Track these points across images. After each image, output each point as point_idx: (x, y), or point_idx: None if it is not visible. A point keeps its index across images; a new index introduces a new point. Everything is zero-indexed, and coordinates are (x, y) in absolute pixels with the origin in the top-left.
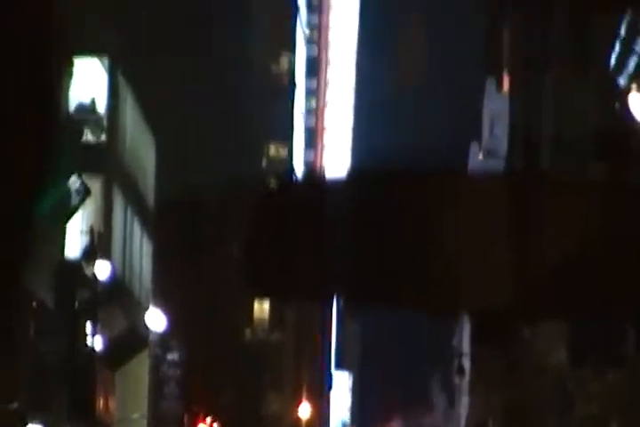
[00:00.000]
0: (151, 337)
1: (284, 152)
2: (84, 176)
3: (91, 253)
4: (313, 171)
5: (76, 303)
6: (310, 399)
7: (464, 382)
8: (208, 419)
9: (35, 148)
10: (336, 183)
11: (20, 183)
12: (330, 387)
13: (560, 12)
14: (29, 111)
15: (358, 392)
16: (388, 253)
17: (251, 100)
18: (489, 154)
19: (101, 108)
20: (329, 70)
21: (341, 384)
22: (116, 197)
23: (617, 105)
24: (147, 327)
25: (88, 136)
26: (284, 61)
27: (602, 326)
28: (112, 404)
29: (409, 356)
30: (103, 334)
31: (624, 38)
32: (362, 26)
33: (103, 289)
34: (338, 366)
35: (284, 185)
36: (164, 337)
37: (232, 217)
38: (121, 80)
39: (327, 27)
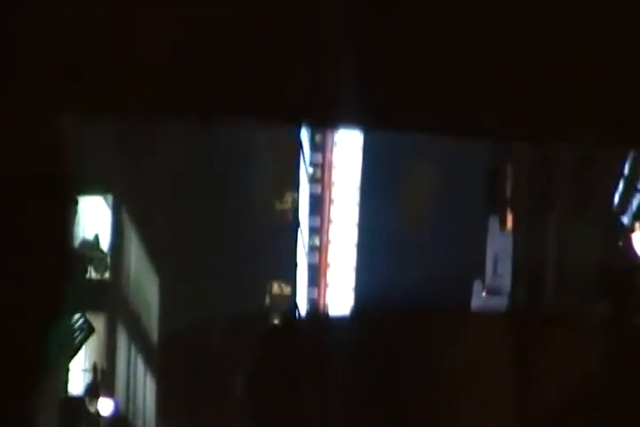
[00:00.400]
0: None
1: (287, 289)
2: (87, 314)
3: (94, 391)
4: (316, 308)
5: None
6: None
7: None
8: None
9: (49, 281)
10: (339, 320)
11: (35, 317)
12: None
13: (561, 152)
14: (43, 243)
15: None
16: (390, 390)
17: (254, 238)
18: (492, 292)
19: (105, 245)
20: (332, 208)
21: None
22: (120, 334)
23: (620, 243)
24: None
25: (92, 273)
26: (287, 199)
27: None
28: None
29: None
30: None
31: (627, 176)
32: (365, 164)
33: (105, 425)
34: None
35: (288, 321)
36: None
37: (235, 352)
38: (125, 218)
39: (330, 165)
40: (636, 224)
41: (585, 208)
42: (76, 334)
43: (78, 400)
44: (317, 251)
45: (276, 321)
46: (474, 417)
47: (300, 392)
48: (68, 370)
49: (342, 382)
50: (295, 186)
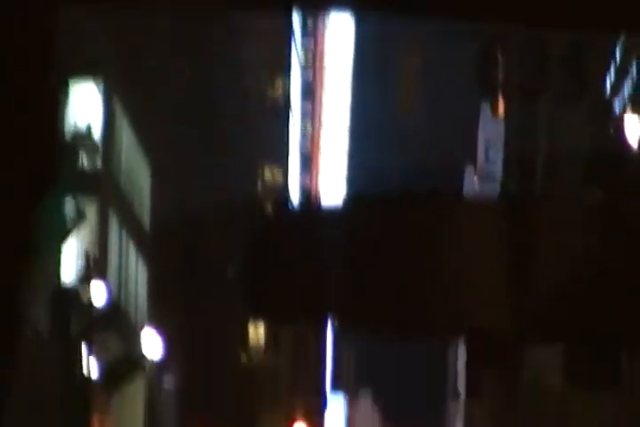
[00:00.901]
0: (147, 362)
1: (279, 176)
2: (79, 202)
3: (86, 278)
4: (308, 195)
5: (71, 328)
6: (305, 421)
7: (459, 404)
8: None
9: (36, 162)
10: (331, 207)
11: (21, 197)
12: (325, 408)
13: (555, 39)
14: (31, 123)
15: (353, 414)
16: (384, 276)
17: (245, 124)
18: (484, 178)
19: (97, 134)
20: (324, 94)
21: (337, 406)
22: (112, 220)
23: (611, 128)
24: (143, 352)
25: (83, 160)
26: (279, 85)
27: (597, 350)
28: None
29: (405, 378)
30: (99, 360)
31: (618, 61)
32: (357, 50)
33: (99, 314)
34: (333, 389)
35: (280, 210)
36: (159, 362)
37: (227, 240)
38: (116, 107)
39: (322, 50)
40: (627, 108)
41: (576, 93)
42: (67, 220)
43: (71, 289)
44: (309, 137)
45: (267, 209)
46: (467, 302)
47: (294, 280)
48: (59, 257)
49: (334, 269)
50: (286, 72)
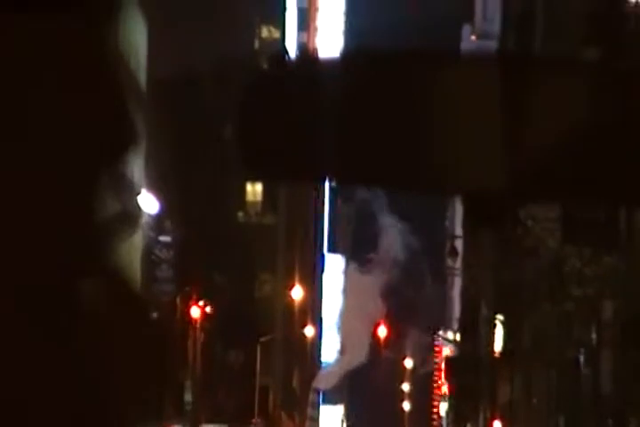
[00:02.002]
0: (144, 219)
1: (276, 33)
2: None
3: None
4: (306, 52)
5: None
6: (303, 282)
7: (457, 264)
8: (201, 302)
9: None
10: (329, 64)
11: None
12: (322, 270)
13: None
14: None
15: (350, 275)
16: (381, 134)
17: None
18: (482, 36)
19: None
20: None
21: (334, 267)
22: None
23: None
24: (139, 209)
25: None
26: None
27: (595, 209)
28: None
29: (402, 239)
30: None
31: None
32: None
33: None
34: (330, 249)
35: (278, 65)
36: (156, 219)
37: (224, 98)
38: None
39: None
40: None
41: None
42: None
43: None
44: None
45: (265, 66)
46: (463, 160)
47: (291, 137)
48: None
49: (333, 125)
50: None
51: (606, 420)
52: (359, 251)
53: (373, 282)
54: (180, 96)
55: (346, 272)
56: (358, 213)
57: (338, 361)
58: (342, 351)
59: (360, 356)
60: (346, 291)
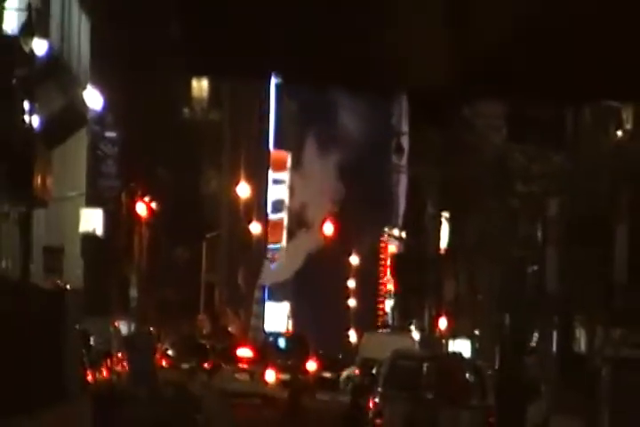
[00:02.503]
0: (89, 115)
1: None
2: None
3: (28, 30)
4: None
5: (13, 80)
6: (248, 179)
7: (402, 161)
8: (147, 198)
9: None
10: None
11: None
12: (268, 167)
13: None
14: None
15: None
16: (328, 31)
17: None
18: None
19: None
20: None
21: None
22: None
23: None
24: (85, 105)
25: None
26: None
27: (541, 105)
28: (50, 182)
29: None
30: (41, 112)
31: None
32: None
33: (40, 66)
34: (276, 145)
35: None
36: (102, 115)
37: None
38: None
39: None
40: None
41: None
42: None
43: (13, 39)
44: None
45: None
46: (409, 57)
47: (236, 33)
48: (2, 8)
49: (280, 22)
50: None
51: (551, 317)
52: (306, 148)
53: (325, 168)
54: None
55: (295, 166)
56: (304, 110)
57: (283, 257)
58: (287, 248)
59: (305, 251)
60: (291, 187)
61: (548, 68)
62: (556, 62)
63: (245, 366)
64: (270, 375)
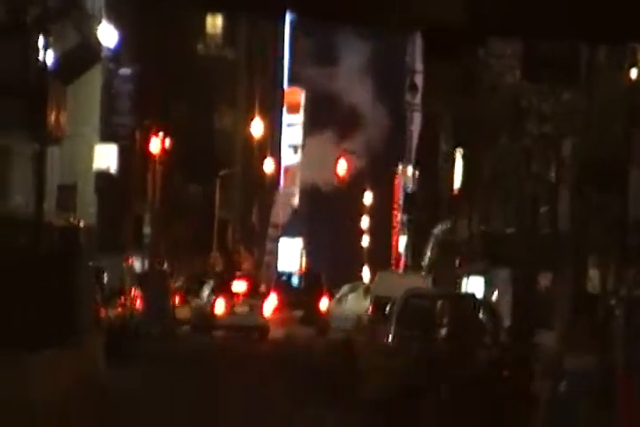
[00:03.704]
0: (103, 52)
1: None
2: None
3: None
4: None
5: (27, 17)
6: (262, 116)
7: (416, 99)
8: (160, 133)
9: None
10: None
11: None
12: (282, 104)
13: None
14: None
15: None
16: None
17: None
18: None
19: None
20: None
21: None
22: None
23: None
24: (99, 42)
25: None
26: None
27: (556, 44)
28: (64, 119)
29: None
30: (55, 49)
31: None
32: None
33: (54, 3)
34: (290, 83)
35: None
36: (116, 52)
37: None
38: None
39: None
40: None
41: None
42: None
43: None
44: None
45: None
46: None
47: None
48: None
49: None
50: None
51: (564, 257)
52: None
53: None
54: None
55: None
56: (319, 46)
57: (296, 195)
58: (302, 184)
59: (320, 188)
60: (305, 125)
61: (562, 8)
62: (570, 1)
63: (241, 298)
64: (268, 308)
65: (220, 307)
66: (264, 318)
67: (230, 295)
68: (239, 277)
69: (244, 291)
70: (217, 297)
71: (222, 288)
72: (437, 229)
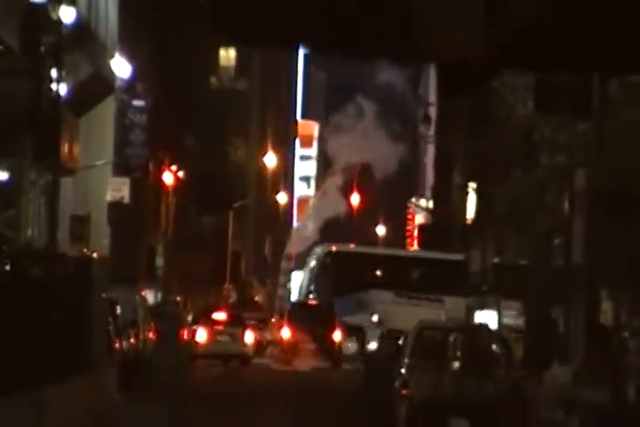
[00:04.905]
0: (117, 83)
1: None
2: None
3: None
4: None
5: (41, 47)
6: (275, 148)
7: (430, 131)
8: (174, 166)
9: None
10: None
11: None
12: (295, 136)
13: None
14: None
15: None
16: (357, 2)
17: None
18: None
19: None
20: None
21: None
22: None
23: None
24: (112, 73)
25: None
26: None
27: (568, 77)
28: (77, 150)
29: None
30: (68, 80)
31: None
32: None
33: (68, 33)
34: (304, 117)
35: None
36: (129, 83)
37: None
38: None
39: None
40: None
41: None
42: None
43: (41, 6)
44: None
45: None
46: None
47: (265, 2)
48: None
49: None
50: None
51: (577, 288)
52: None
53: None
54: None
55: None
56: (332, 80)
57: (310, 226)
58: (315, 216)
59: (333, 221)
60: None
61: (578, 39)
62: (587, 35)
63: (222, 328)
64: (249, 337)
65: (201, 336)
66: (246, 346)
67: (211, 325)
68: (217, 309)
69: (224, 320)
70: (198, 327)
71: (203, 318)
72: None
